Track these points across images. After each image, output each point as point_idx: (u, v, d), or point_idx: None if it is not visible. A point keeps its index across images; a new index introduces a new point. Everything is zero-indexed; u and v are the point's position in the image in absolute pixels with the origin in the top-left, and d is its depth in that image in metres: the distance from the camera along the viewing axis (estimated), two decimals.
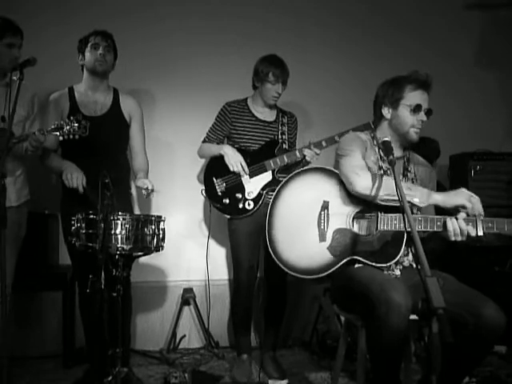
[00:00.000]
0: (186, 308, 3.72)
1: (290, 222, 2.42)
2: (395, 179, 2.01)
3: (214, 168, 3.22)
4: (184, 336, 3.64)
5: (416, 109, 2.35)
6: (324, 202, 2.38)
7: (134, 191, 3.26)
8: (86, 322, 3.06)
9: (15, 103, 2.35)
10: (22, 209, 2.83)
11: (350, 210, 2.37)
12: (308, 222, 2.38)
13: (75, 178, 2.80)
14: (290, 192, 2.47)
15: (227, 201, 3.15)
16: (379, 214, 2.29)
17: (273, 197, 2.50)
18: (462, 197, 2.22)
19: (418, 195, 2.24)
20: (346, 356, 2.60)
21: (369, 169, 2.36)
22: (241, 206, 3.14)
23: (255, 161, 3.15)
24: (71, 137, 2.55)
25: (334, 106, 3.94)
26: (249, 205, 3.13)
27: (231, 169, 3.12)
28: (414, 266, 2.37)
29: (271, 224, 2.44)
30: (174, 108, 3.84)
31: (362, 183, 2.27)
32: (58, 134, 2.54)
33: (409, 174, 2.48)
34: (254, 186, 3.15)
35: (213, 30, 3.87)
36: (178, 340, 3.62)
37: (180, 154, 3.79)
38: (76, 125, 2.54)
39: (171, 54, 3.82)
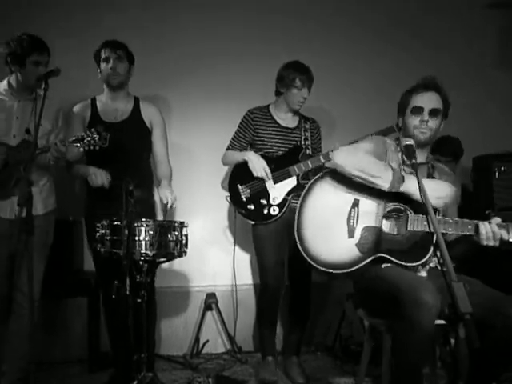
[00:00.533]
0: (208, 313, 3.74)
1: (319, 218, 2.42)
2: (419, 182, 2.01)
3: (239, 174, 3.23)
4: (207, 341, 3.65)
5: (414, 110, 2.39)
6: (355, 199, 2.40)
7: (157, 197, 3.27)
8: (110, 328, 3.09)
9: (40, 116, 2.40)
10: (49, 217, 2.88)
11: (381, 209, 2.38)
12: (337, 219, 2.39)
13: (99, 176, 2.86)
14: (321, 189, 2.47)
15: (252, 207, 3.16)
16: (409, 214, 2.31)
17: (303, 193, 2.47)
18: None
19: (385, 177, 2.28)
20: (370, 361, 2.58)
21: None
22: (266, 211, 3.14)
23: (279, 167, 3.16)
24: (91, 148, 2.59)
25: (355, 113, 3.93)
26: (274, 210, 3.13)
27: (255, 174, 3.13)
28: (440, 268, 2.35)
29: (300, 224, 2.43)
30: (193, 115, 3.86)
31: (340, 154, 2.38)
32: (78, 145, 2.59)
33: None
34: (278, 191, 3.15)
35: (231, 36, 3.89)
36: (201, 345, 3.64)
37: (203, 161, 3.81)
38: (96, 136, 2.58)
39: (190, 63, 3.85)
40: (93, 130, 2.59)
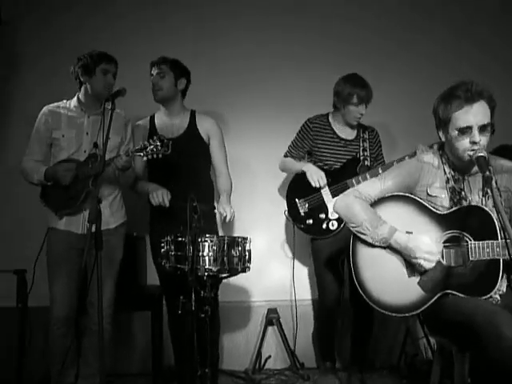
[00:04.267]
0: (270, 328, 3.71)
1: (375, 257, 2.30)
2: (494, 198, 1.92)
3: (296, 189, 3.23)
4: (269, 357, 3.62)
5: (462, 131, 2.14)
6: (407, 232, 2.26)
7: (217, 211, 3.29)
8: (176, 343, 3.13)
9: (108, 131, 2.48)
10: (119, 230, 2.96)
11: (437, 239, 2.24)
12: (393, 255, 2.28)
13: (160, 195, 2.91)
14: None
15: (311, 221, 3.14)
16: (469, 242, 2.17)
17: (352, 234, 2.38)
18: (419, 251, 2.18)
19: (374, 233, 2.24)
20: (440, 381, 2.48)
21: (433, 197, 2.27)
22: (324, 226, 3.11)
23: (338, 180, 3.13)
24: (155, 156, 2.63)
25: (412, 124, 3.83)
26: (332, 225, 3.10)
27: (313, 184, 3.10)
28: None
29: (356, 264, 2.33)
30: (251, 129, 3.89)
31: (338, 204, 2.40)
32: (141, 154, 2.65)
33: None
34: None
35: (287, 44, 3.92)
36: (263, 360, 3.62)
37: (262, 175, 3.82)
38: (159, 143, 2.63)
39: (246, 76, 3.90)
40: (155, 137, 2.65)
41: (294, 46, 3.91)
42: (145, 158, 2.66)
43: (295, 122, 3.35)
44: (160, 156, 2.64)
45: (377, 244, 2.27)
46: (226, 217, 2.97)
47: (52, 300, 2.81)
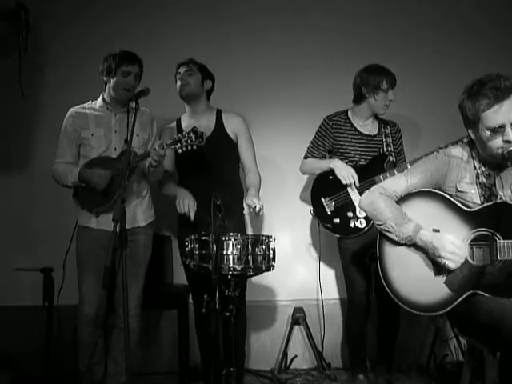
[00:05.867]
0: (296, 327, 3.69)
1: (401, 255, 2.26)
2: None
3: (321, 187, 3.18)
4: (295, 356, 3.60)
5: (494, 131, 2.07)
6: (434, 230, 2.20)
7: (246, 211, 3.28)
8: (201, 341, 3.13)
9: (132, 129, 2.50)
10: (148, 230, 2.98)
11: (464, 237, 2.18)
12: (420, 254, 2.24)
13: (186, 205, 2.89)
14: None
15: (337, 220, 3.09)
16: (498, 241, 2.11)
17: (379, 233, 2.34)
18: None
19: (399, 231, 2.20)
20: (471, 382, 2.42)
21: (463, 193, 2.21)
22: (352, 224, 3.06)
23: (364, 176, 3.07)
24: (189, 148, 2.65)
25: (443, 117, 3.76)
26: (361, 223, 3.05)
27: (343, 182, 3.05)
28: None
29: (383, 263, 2.29)
30: (277, 127, 3.87)
31: (362, 201, 2.35)
32: (176, 146, 2.67)
33: None
34: None
35: (311, 44, 3.91)
36: (289, 360, 3.59)
37: (288, 174, 3.79)
38: (193, 135, 2.64)
39: (272, 75, 3.89)
40: (188, 130, 2.67)
41: (316, 46, 3.90)
42: (180, 151, 2.67)
43: (318, 121, 3.30)
44: (194, 147, 2.65)
45: (402, 242, 2.23)
46: (255, 208, 2.87)
47: (81, 298, 2.84)
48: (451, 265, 2.14)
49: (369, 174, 3.07)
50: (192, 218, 2.89)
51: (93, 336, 2.82)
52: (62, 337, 2.99)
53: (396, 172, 2.99)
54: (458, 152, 2.28)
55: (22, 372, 3.11)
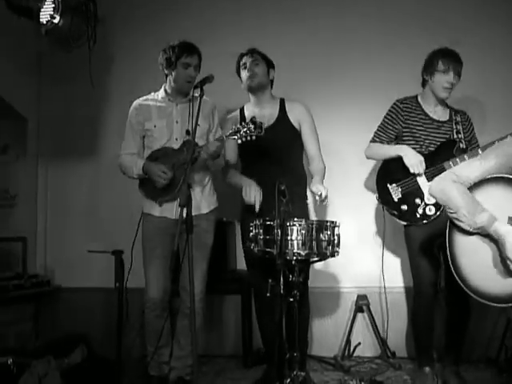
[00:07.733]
0: (359, 315, 3.67)
1: (472, 244, 2.20)
2: None
3: (387, 173, 3.11)
4: (359, 344, 3.57)
5: None
6: (509, 218, 2.13)
7: (309, 199, 3.25)
8: (263, 326, 3.16)
9: (197, 117, 2.54)
10: (210, 216, 3.02)
11: None
12: (492, 243, 2.16)
13: (253, 196, 2.92)
14: None
15: (405, 207, 3.01)
16: None
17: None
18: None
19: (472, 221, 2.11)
20: None
21: None
22: (420, 211, 2.97)
23: (433, 163, 2.99)
24: (248, 138, 2.66)
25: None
26: (430, 210, 2.96)
27: (411, 170, 2.98)
28: None
29: (453, 249, 2.25)
30: (340, 115, 3.84)
31: (433, 188, 2.26)
32: (235, 137, 2.68)
33: None
34: None
35: (375, 32, 3.85)
36: (352, 347, 3.57)
37: (351, 160, 3.75)
38: (252, 125, 2.65)
39: (334, 63, 3.89)
40: (247, 120, 2.68)
41: (378, 33, 3.85)
42: (239, 141, 2.69)
43: (382, 110, 3.22)
44: (253, 138, 2.66)
45: (474, 232, 2.15)
46: (321, 195, 2.86)
47: (147, 283, 2.93)
48: None
49: (438, 160, 2.98)
50: (257, 209, 2.91)
51: (159, 319, 2.90)
52: (131, 319, 3.09)
53: (466, 157, 2.89)
54: None
55: (93, 351, 3.25)
